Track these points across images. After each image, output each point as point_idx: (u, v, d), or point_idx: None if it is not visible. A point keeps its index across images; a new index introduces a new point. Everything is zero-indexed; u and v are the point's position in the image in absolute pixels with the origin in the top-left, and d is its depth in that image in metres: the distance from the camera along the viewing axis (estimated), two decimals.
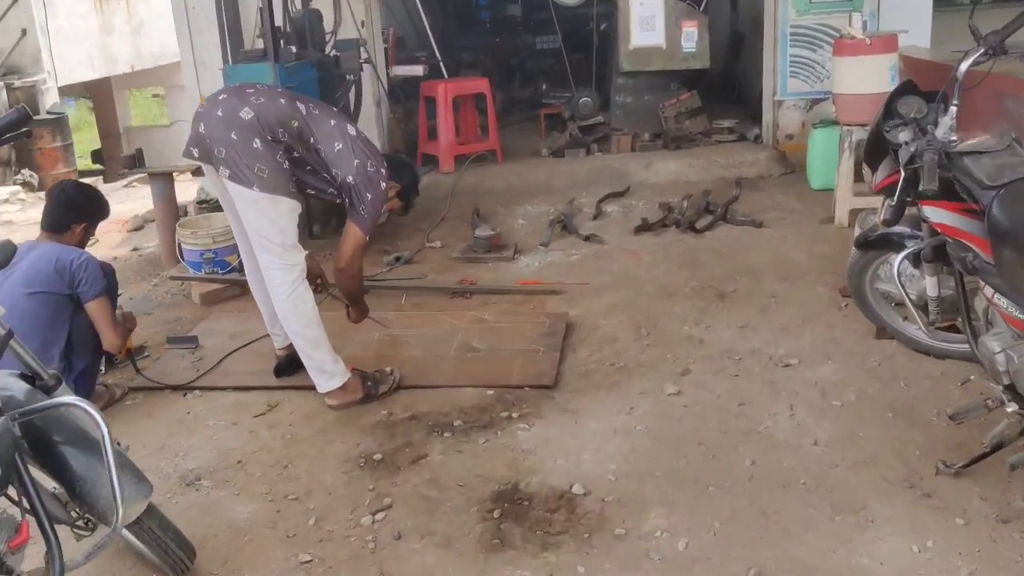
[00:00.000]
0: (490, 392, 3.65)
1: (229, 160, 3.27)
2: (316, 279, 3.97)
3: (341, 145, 3.50)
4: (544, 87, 9.60)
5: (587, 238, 5.60)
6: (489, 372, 3.80)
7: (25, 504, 2.05)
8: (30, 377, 2.31)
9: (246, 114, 3.30)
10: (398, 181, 3.82)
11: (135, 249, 6.38)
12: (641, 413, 3.43)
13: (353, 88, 6.17)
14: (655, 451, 3.16)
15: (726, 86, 9.11)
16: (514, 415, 3.45)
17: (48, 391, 2.30)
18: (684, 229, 5.60)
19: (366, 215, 3.53)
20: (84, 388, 3.53)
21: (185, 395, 3.79)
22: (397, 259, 5.31)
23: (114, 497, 2.05)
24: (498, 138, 7.28)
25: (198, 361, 4.08)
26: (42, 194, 10.70)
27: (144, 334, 4.46)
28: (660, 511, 2.81)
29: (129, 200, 8.17)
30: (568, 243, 5.62)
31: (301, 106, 3.48)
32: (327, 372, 3.52)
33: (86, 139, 16.49)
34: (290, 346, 3.95)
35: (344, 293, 3.83)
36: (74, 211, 3.64)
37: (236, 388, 3.81)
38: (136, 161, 5.26)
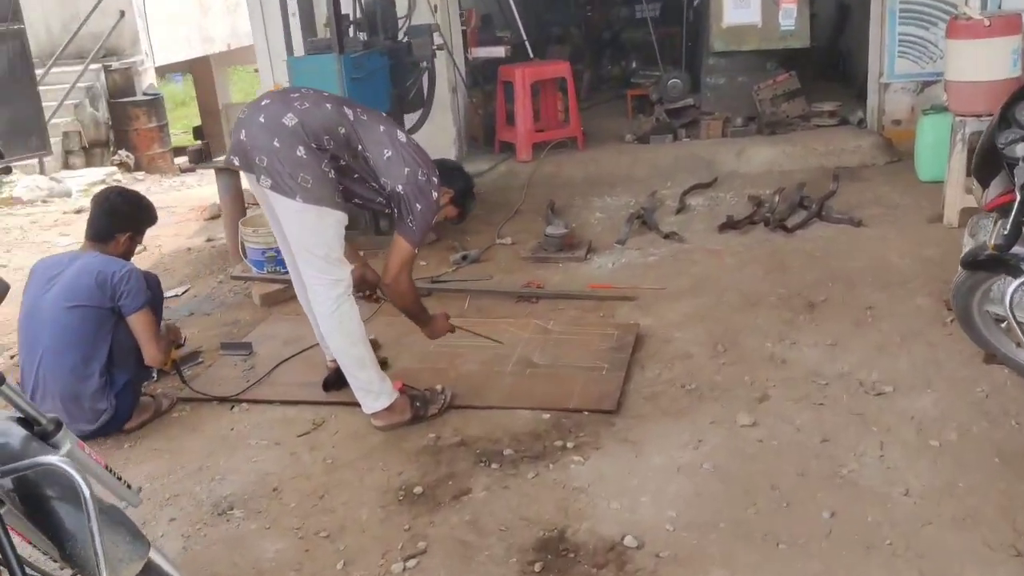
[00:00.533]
0: (546, 416, 3.38)
1: (271, 169, 3.08)
2: (373, 288, 3.78)
3: (391, 152, 3.28)
4: (634, 65, 9.19)
5: (667, 236, 5.24)
6: (547, 393, 3.53)
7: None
8: (28, 422, 2.15)
9: (289, 120, 3.10)
10: (450, 187, 3.58)
11: (209, 240, 6.34)
12: (710, 447, 3.11)
13: (426, 75, 5.93)
14: (722, 496, 2.84)
15: (829, 64, 8.50)
16: (569, 444, 3.17)
17: (46, 437, 2.14)
18: (774, 227, 5.18)
19: (415, 227, 3.31)
20: (126, 403, 3.43)
21: (232, 408, 3.65)
22: (464, 258, 5.08)
23: (97, 565, 1.88)
24: (579, 124, 6.94)
25: (249, 370, 3.94)
26: (139, 175, 10.95)
27: (201, 337, 4.37)
28: (721, 573, 2.50)
29: (209, 184, 8.14)
30: (646, 241, 5.27)
31: (348, 111, 3.26)
32: (373, 392, 3.32)
33: (191, 114, 16.84)
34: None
35: (398, 309, 3.62)
36: (118, 220, 3.52)
37: (283, 402, 3.65)
38: (202, 156, 5.16)
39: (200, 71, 15.54)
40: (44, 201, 8.80)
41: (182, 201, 8.19)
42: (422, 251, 5.23)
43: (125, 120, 11.38)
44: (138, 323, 3.37)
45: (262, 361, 4.00)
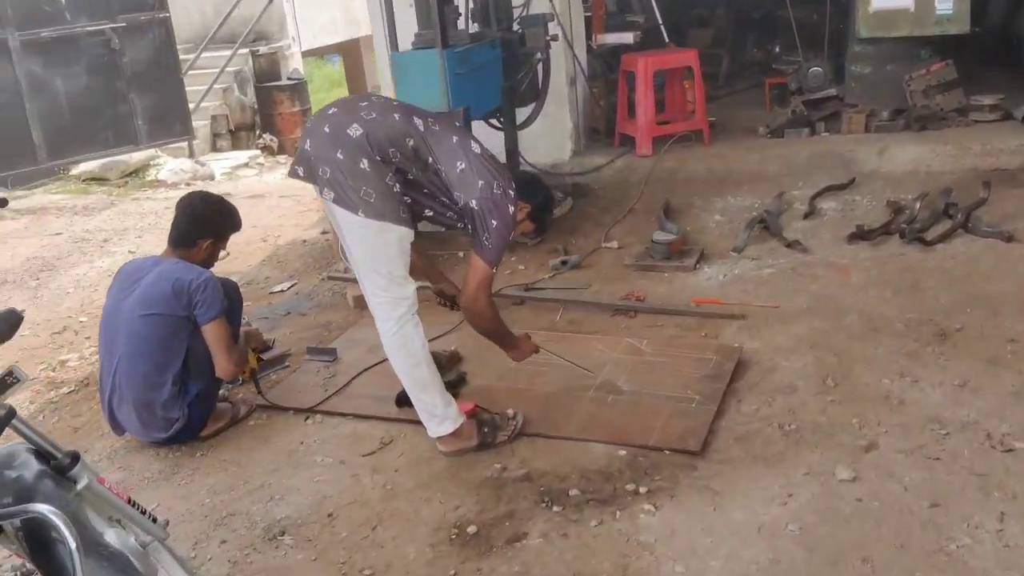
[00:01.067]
0: (622, 452, 3.12)
1: (334, 181, 2.95)
2: (452, 301, 3.63)
3: (464, 165, 3.09)
4: (778, 49, 8.59)
5: (789, 244, 4.81)
6: (627, 425, 3.26)
7: None
8: (44, 455, 2.10)
9: (354, 131, 2.96)
10: (527, 201, 3.35)
11: (324, 232, 6.35)
12: (800, 504, 2.77)
13: (540, 67, 5.69)
14: (803, 566, 2.51)
15: (999, 50, 7.63)
16: (642, 489, 2.90)
17: (63, 471, 2.09)
18: (910, 239, 4.65)
19: (490, 245, 3.11)
20: (199, 413, 3.41)
21: (307, 419, 3.58)
22: (563, 263, 4.83)
23: None
24: (705, 116, 6.51)
25: (330, 378, 3.86)
26: (281, 158, 11.25)
27: (292, 339, 4.34)
28: None
29: None
30: (766, 249, 4.86)
31: (418, 121, 3.09)
32: (436, 416, 3.16)
33: (342, 94, 17.28)
34: None
35: (478, 331, 3.44)
36: (200, 226, 3.49)
37: (356, 416, 3.54)
38: None
39: (350, 53, 15.88)
40: (187, 184, 9.15)
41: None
42: (522, 253, 5.09)
43: (270, 104, 11.72)
44: (211, 334, 3.34)
45: (344, 369, 3.92)
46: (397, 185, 2.99)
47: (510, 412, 3.32)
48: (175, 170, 9.54)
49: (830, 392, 3.39)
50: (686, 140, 6.45)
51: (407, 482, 3.09)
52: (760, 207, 5.43)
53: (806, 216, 5.24)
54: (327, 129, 2.99)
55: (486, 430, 3.22)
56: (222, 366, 3.35)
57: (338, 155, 2.93)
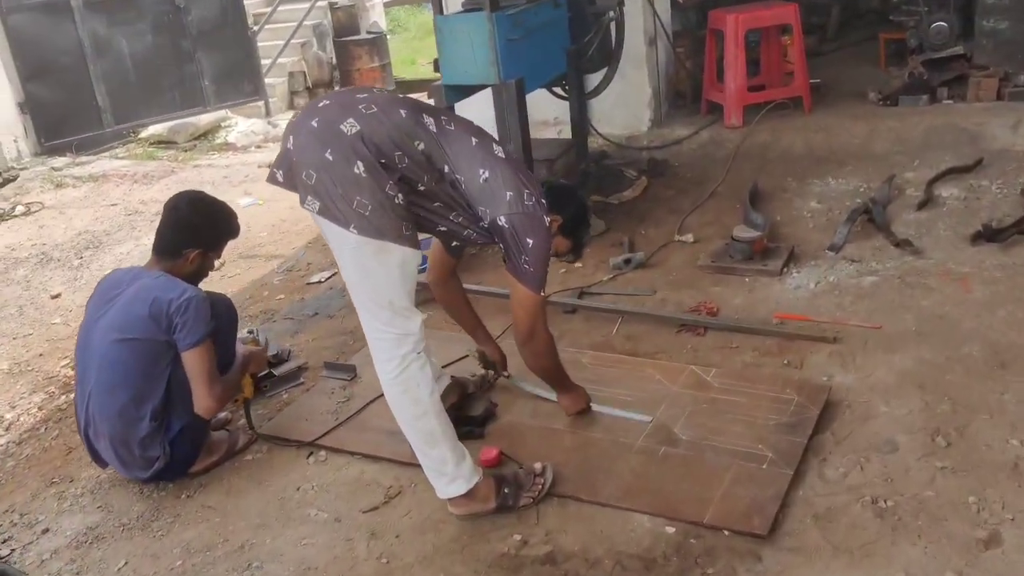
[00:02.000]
0: (670, 529, 2.53)
1: (320, 189, 2.39)
2: (500, 366, 3.23)
3: (487, 173, 2.52)
4: None
5: (899, 243, 4.05)
6: (679, 492, 2.65)
7: None
8: None
9: (349, 128, 2.39)
10: (559, 213, 2.75)
11: None
12: None
13: (613, 26, 4.98)
14: None
15: None
16: None
17: None
18: None
19: (532, 268, 2.56)
20: (184, 451, 2.96)
21: (309, 455, 3.10)
22: (627, 261, 4.19)
23: None
24: (806, 81, 5.68)
25: (344, 402, 3.36)
26: None
27: (311, 348, 3.86)
28: None
29: None
30: (869, 248, 4.10)
31: (429, 120, 2.51)
32: (446, 475, 2.62)
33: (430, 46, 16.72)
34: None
35: (532, 370, 2.92)
36: (186, 234, 3.01)
37: (364, 456, 3.04)
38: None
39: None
40: (258, 147, 8.79)
41: None
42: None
43: (348, 59, 11.25)
44: (191, 362, 2.87)
45: (360, 391, 3.42)
46: (400, 196, 2.42)
47: (537, 467, 2.76)
48: (245, 132, 9.18)
49: (940, 454, 2.70)
50: (783, 108, 5.64)
51: (407, 554, 2.58)
52: (865, 193, 4.65)
53: (921, 206, 4.44)
54: (315, 124, 2.43)
55: (506, 490, 2.67)
56: (201, 400, 2.88)
57: (327, 155, 2.37)
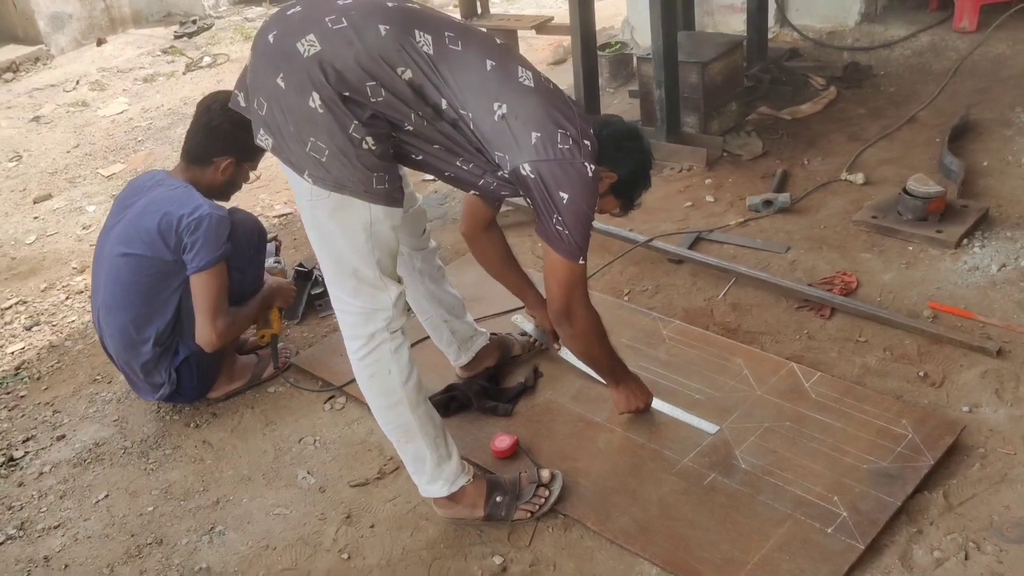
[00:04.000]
0: None
1: (271, 123, 1.93)
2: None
3: (504, 108, 1.92)
4: None
5: None
6: (706, 544, 2.08)
7: None
8: None
9: (306, 47, 1.87)
10: (614, 168, 2.11)
11: None
12: None
13: None
14: None
15: None
16: None
17: None
18: None
19: (567, 231, 1.98)
20: (192, 379, 2.72)
21: (328, 400, 2.79)
22: (767, 203, 3.41)
23: None
24: None
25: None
26: None
27: None
28: None
29: None
30: None
31: (424, 38, 1.91)
32: (425, 474, 2.20)
33: None
34: (469, 364, 2.70)
35: (578, 356, 2.43)
36: (217, 141, 2.64)
37: None
38: (475, 7, 4.00)
39: None
40: None
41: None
42: (720, 170, 3.72)
43: None
44: (196, 286, 2.58)
45: (411, 327, 3.01)
46: (369, 140, 1.90)
47: (545, 475, 2.27)
48: None
49: None
50: None
51: (371, 553, 2.22)
52: None
53: None
54: (271, 39, 1.94)
55: (499, 499, 2.22)
56: (202, 331, 2.60)
57: (278, 81, 1.89)
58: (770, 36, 4.78)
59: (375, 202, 1.94)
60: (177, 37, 7.44)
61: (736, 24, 4.81)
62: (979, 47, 4.28)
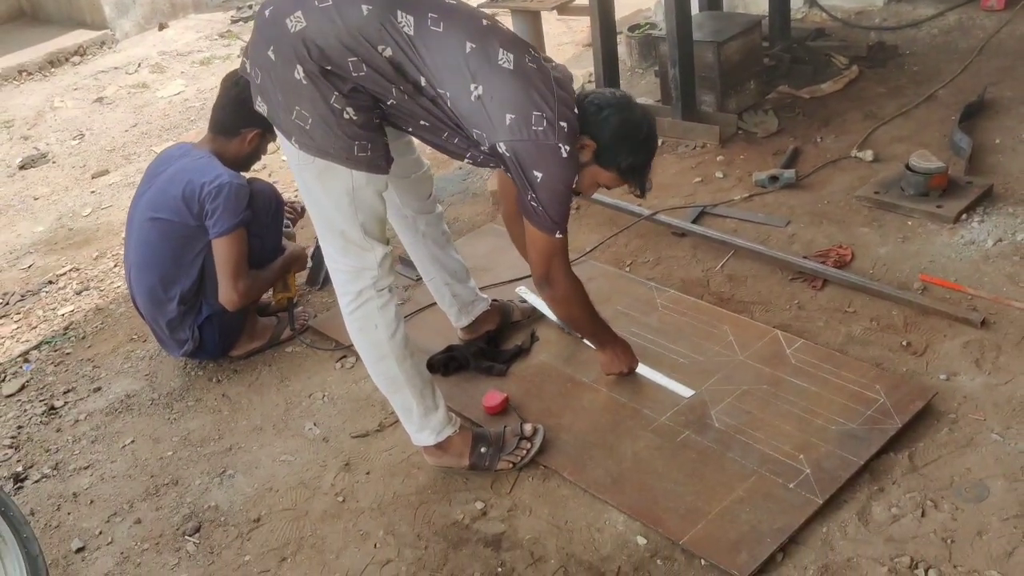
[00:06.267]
0: (641, 540, 2.12)
1: (264, 91, 2.12)
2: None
3: (480, 88, 2.06)
4: None
5: None
6: (671, 495, 2.20)
7: None
8: None
9: (294, 23, 2.03)
10: (594, 136, 2.21)
11: None
12: None
13: None
14: None
15: None
16: None
17: None
18: None
19: (541, 207, 2.13)
20: (214, 336, 2.93)
21: (341, 359, 2.97)
22: (773, 179, 3.47)
23: None
24: None
25: (400, 304, 3.14)
26: None
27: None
28: None
29: None
30: None
31: (406, 19, 2.03)
32: (413, 423, 2.37)
33: None
34: (470, 327, 2.85)
35: (563, 322, 2.60)
36: (244, 114, 2.79)
37: None
38: None
39: None
40: None
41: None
42: (732, 147, 3.80)
43: None
44: (218, 251, 2.78)
45: (422, 294, 3.19)
46: (350, 111, 2.06)
47: (528, 429, 2.42)
48: None
49: None
50: None
51: (365, 497, 2.40)
52: None
53: None
54: (267, 14, 2.10)
55: (483, 450, 2.38)
56: (224, 292, 2.80)
57: (269, 54, 2.06)
58: (799, 16, 4.80)
59: (357, 168, 2.10)
60: (234, 21, 7.72)
61: (766, 5, 4.83)
62: (1006, 25, 4.24)
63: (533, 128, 2.06)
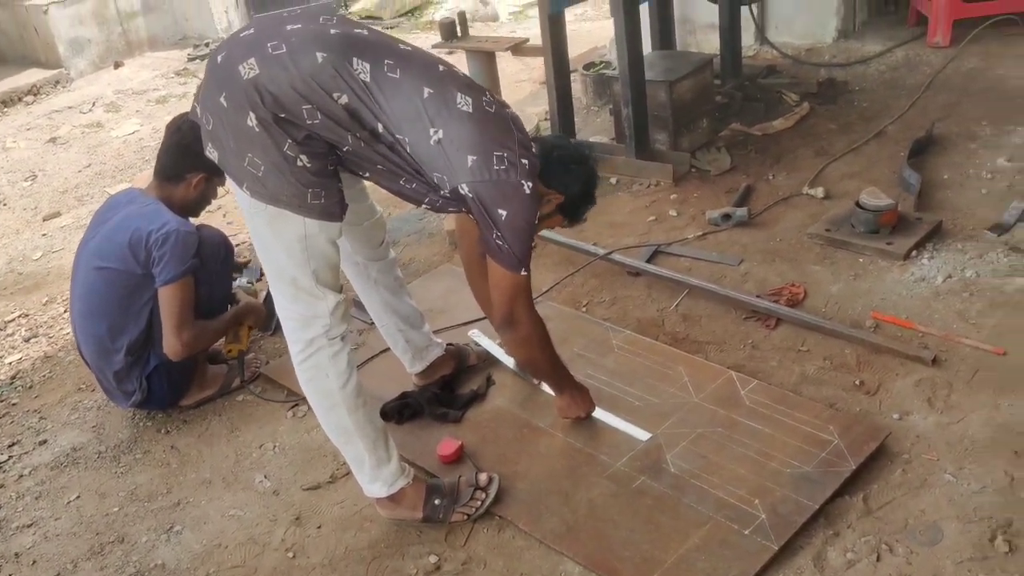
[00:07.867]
0: None
1: (215, 137, 2.08)
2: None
3: (440, 133, 2.04)
4: None
5: None
6: (628, 543, 2.18)
7: None
8: None
9: (247, 70, 2.00)
10: (562, 190, 2.24)
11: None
12: None
13: None
14: None
15: None
16: None
17: None
18: None
19: (506, 245, 2.11)
20: (163, 386, 2.87)
21: (292, 408, 2.91)
22: (727, 217, 3.50)
23: None
24: None
25: (354, 349, 3.11)
26: None
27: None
28: None
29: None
30: None
31: (362, 66, 2.02)
32: (365, 474, 2.32)
33: None
34: (424, 372, 2.82)
35: (523, 365, 2.61)
36: (188, 158, 2.79)
37: None
38: (455, 30, 4.14)
39: None
40: None
41: (579, 38, 6.65)
42: (685, 186, 3.81)
43: None
44: (163, 298, 2.72)
45: (376, 339, 3.15)
46: (304, 158, 2.03)
47: (483, 479, 2.38)
48: (452, 10, 8.90)
49: (991, 563, 2.00)
50: (1010, 26, 4.42)
51: (316, 552, 2.34)
52: None
53: None
54: (219, 59, 2.08)
55: (437, 502, 2.33)
56: (168, 342, 2.74)
57: (221, 100, 2.03)
58: (750, 54, 4.87)
59: (310, 216, 2.07)
60: (191, 59, 7.68)
61: (718, 43, 4.91)
62: (951, 61, 4.34)
63: (495, 168, 2.05)
